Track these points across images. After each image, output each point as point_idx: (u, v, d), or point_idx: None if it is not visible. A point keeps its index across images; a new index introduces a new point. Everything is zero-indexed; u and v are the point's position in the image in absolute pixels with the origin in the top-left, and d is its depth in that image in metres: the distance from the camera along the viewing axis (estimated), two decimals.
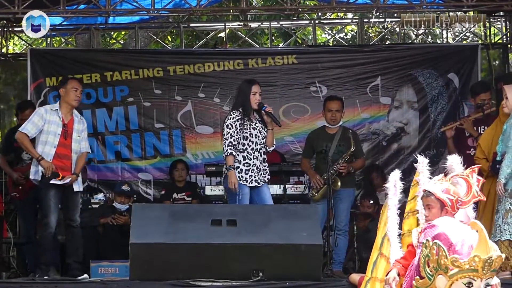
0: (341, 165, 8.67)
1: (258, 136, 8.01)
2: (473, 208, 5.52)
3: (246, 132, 7.96)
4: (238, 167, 7.92)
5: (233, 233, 6.89)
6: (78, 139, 8.28)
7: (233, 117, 7.97)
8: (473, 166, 5.44)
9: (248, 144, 7.96)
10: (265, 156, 8.13)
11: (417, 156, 5.55)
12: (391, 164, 10.97)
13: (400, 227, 5.63)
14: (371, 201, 9.92)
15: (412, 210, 5.58)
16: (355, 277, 6.60)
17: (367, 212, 9.79)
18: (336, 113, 8.82)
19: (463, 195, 5.24)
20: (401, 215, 5.68)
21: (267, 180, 8.10)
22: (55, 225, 7.98)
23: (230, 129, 7.93)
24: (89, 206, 9.88)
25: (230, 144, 7.89)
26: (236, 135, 7.90)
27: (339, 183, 8.63)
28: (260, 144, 8.02)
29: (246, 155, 7.94)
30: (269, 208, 7.69)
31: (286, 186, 9.55)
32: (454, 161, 5.55)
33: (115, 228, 9.18)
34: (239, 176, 7.89)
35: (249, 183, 7.93)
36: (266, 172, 8.09)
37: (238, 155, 7.93)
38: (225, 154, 7.94)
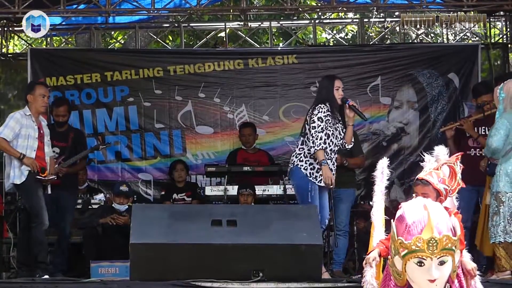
0: None
1: (338, 137, 7.88)
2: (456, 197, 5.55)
3: (330, 130, 7.81)
4: (312, 163, 7.78)
5: (233, 233, 6.89)
6: (48, 142, 8.39)
7: (324, 111, 7.75)
8: (457, 154, 5.43)
9: (329, 143, 7.80)
10: (336, 156, 7.99)
11: (423, 155, 5.56)
12: (391, 164, 10.84)
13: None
14: (370, 203, 9.89)
15: None
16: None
17: (367, 213, 9.77)
18: None
19: (451, 184, 5.31)
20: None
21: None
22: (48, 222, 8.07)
23: (321, 122, 7.71)
24: (89, 207, 9.89)
25: (321, 138, 7.70)
26: (325, 129, 7.75)
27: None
28: (337, 146, 7.88)
29: (324, 155, 7.80)
30: (269, 208, 7.70)
31: (286, 186, 9.54)
32: (440, 152, 5.55)
33: (115, 228, 9.17)
34: (310, 173, 7.77)
35: (318, 182, 7.80)
36: (334, 174, 7.90)
37: None
38: (317, 148, 7.69)
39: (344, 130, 7.99)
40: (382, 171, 5.64)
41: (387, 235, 5.40)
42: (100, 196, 10.15)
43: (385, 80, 11.22)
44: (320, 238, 7.09)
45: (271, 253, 6.84)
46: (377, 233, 5.50)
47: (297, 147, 7.99)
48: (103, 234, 9.27)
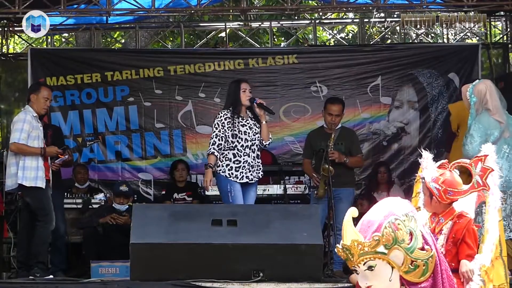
0: (329, 153, 8.57)
1: (248, 133, 8.01)
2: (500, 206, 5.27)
3: (235, 130, 7.97)
4: (229, 164, 7.93)
5: (233, 233, 6.89)
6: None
7: (221, 116, 8.02)
8: (479, 155, 5.10)
9: (237, 141, 7.97)
10: (259, 153, 8.12)
11: (421, 151, 5.43)
12: (391, 164, 10.96)
13: None
14: (364, 200, 9.90)
15: (416, 207, 5.50)
16: (355, 277, 6.57)
17: (365, 213, 9.77)
18: (336, 118, 8.78)
19: (458, 185, 5.00)
20: None
21: (260, 177, 8.10)
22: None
23: (216, 128, 8.00)
24: (90, 206, 9.88)
25: (214, 143, 7.96)
26: (223, 133, 7.94)
27: (332, 168, 8.50)
28: (251, 141, 8.02)
29: (236, 153, 7.95)
30: (269, 208, 7.69)
31: (286, 186, 9.55)
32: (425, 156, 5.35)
33: (116, 228, 9.18)
34: (229, 173, 7.91)
35: (239, 180, 7.93)
36: (260, 168, 8.08)
37: (228, 153, 7.95)
38: (207, 152, 8.07)
39: (259, 125, 8.13)
40: (427, 163, 5.30)
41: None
42: (100, 196, 10.14)
43: (385, 80, 11.22)
44: (321, 238, 7.08)
45: (271, 253, 6.84)
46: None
47: None
48: (103, 234, 9.27)
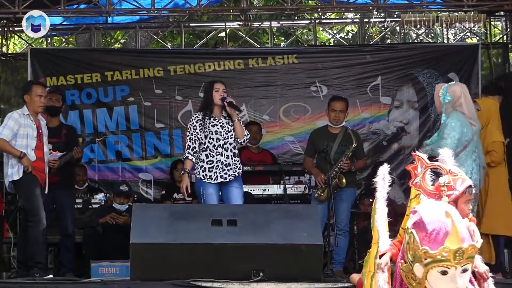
0: (344, 162, 8.65)
1: (220, 132, 8.00)
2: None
3: (206, 131, 7.98)
4: (202, 165, 7.97)
5: (233, 233, 6.89)
6: (46, 141, 8.33)
7: (192, 120, 8.07)
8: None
9: (208, 141, 7.98)
10: (236, 151, 8.10)
11: (415, 152, 5.46)
12: (391, 164, 10.86)
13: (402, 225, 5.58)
14: (371, 199, 9.92)
15: None
16: (355, 277, 6.59)
17: (367, 212, 9.78)
18: (340, 114, 8.81)
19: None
20: (400, 215, 5.64)
21: (237, 174, 8.04)
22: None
23: (189, 132, 8.04)
24: (89, 207, 9.89)
25: (189, 147, 8.01)
26: (195, 136, 7.97)
27: (344, 180, 8.61)
28: (224, 140, 8.01)
29: (209, 153, 7.96)
30: (269, 208, 7.69)
31: (286, 186, 9.55)
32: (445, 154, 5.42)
33: (115, 228, 9.18)
34: (203, 175, 7.94)
35: (214, 180, 7.94)
36: (236, 166, 8.03)
37: (201, 154, 7.98)
38: (182, 157, 8.17)
39: (231, 123, 8.13)
40: (383, 177, 5.55)
41: (392, 241, 5.33)
42: (100, 196, 10.14)
43: (385, 80, 11.23)
44: (321, 238, 7.09)
45: (271, 253, 6.84)
46: (383, 241, 5.41)
47: None
48: (103, 234, 9.28)
